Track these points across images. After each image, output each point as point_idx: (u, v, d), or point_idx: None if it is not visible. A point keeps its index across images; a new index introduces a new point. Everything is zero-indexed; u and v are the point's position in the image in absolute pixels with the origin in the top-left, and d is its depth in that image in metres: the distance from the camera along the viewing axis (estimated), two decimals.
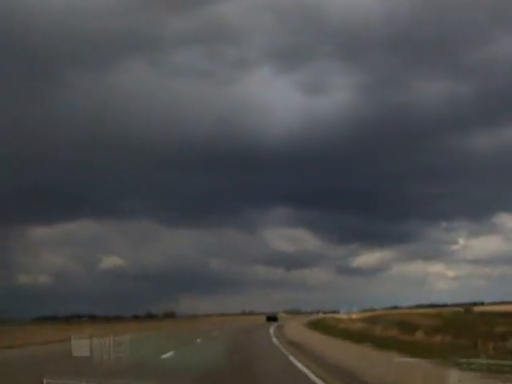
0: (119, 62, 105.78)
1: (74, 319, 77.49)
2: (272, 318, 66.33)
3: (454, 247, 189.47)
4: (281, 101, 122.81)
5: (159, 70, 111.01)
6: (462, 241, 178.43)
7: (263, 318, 69.52)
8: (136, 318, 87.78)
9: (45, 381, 6.40)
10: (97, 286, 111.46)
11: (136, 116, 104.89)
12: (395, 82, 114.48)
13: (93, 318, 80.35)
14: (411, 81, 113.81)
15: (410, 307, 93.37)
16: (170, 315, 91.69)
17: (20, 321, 65.02)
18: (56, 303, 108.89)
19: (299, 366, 12.35)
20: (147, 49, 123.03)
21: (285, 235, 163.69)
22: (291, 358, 14.19)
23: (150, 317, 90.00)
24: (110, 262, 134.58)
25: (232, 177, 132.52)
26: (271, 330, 33.72)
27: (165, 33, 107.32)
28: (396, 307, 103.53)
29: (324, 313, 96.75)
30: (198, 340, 24.28)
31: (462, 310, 72.97)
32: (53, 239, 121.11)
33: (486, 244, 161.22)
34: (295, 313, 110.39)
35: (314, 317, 74.03)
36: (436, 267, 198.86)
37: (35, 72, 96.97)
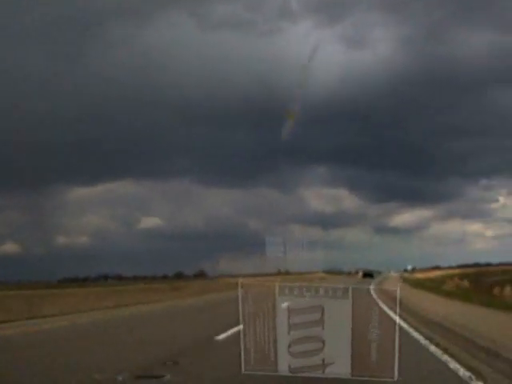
0: (160, 14, 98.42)
1: (100, 280, 75.69)
2: (368, 275, 62.00)
3: (494, 206, 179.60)
4: (321, 54, 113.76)
5: (201, 22, 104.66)
6: (501, 199, 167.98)
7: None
8: (165, 277, 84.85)
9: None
10: (133, 246, 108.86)
11: (176, 71, 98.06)
12: (439, 34, 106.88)
13: (120, 279, 77.56)
14: (456, 33, 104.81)
15: (452, 267, 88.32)
16: (201, 275, 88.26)
17: (47, 283, 61.29)
18: (90, 264, 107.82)
19: None
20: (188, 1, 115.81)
21: (323, 194, 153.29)
22: None
23: (179, 277, 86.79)
24: (148, 222, 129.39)
25: (271, 135, 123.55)
26: None
27: None
28: (437, 267, 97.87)
29: (363, 272, 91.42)
30: None
31: None
32: (93, 200, 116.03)
33: None
34: (336, 273, 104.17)
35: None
36: (475, 226, 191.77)
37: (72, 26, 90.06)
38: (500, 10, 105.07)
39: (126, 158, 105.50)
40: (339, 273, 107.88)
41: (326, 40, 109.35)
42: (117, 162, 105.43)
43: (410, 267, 74.24)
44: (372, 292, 20.84)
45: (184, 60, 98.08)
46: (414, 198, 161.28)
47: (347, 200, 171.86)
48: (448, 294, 21.25)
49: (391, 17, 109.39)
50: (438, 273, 61.28)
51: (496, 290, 19.54)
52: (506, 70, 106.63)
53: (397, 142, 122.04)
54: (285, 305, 4.78)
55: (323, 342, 4.70)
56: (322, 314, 4.67)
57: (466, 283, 27.69)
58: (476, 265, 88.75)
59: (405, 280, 44.41)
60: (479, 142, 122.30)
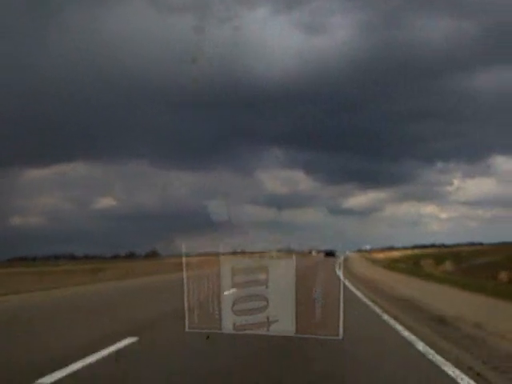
0: None
1: (51, 259, 73.21)
2: (330, 254, 57.74)
3: (448, 188, 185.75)
4: (279, 39, 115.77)
5: (158, 7, 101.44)
6: (456, 182, 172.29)
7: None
8: (116, 257, 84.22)
9: None
10: (87, 227, 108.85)
11: (133, 54, 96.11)
12: (397, 19, 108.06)
13: (72, 259, 76.66)
14: (414, 18, 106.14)
15: (406, 248, 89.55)
16: (153, 255, 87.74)
17: None
18: (43, 244, 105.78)
19: None
20: None
21: (280, 176, 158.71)
22: None
23: (131, 257, 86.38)
24: (103, 203, 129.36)
25: (228, 118, 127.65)
26: None
27: None
28: (392, 248, 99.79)
29: (318, 252, 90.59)
30: None
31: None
32: (46, 181, 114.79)
33: (480, 186, 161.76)
34: (290, 252, 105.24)
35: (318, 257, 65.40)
36: (429, 208, 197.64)
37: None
38: None
39: (82, 139, 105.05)
40: (293, 252, 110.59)
41: (284, 26, 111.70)
42: (72, 144, 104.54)
43: (368, 247, 73.38)
44: (346, 283, 16.34)
45: (143, 43, 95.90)
46: (369, 180, 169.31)
47: (303, 182, 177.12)
48: (455, 283, 16.35)
49: (349, 3, 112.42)
50: (395, 253, 59.46)
51: (504, 276, 15.61)
52: (464, 55, 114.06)
53: (354, 125, 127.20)
54: (229, 266, 5.43)
55: (267, 301, 5.01)
56: (267, 273, 5.08)
57: (448, 266, 23.73)
58: (432, 245, 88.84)
59: (369, 260, 40.76)
60: (436, 125, 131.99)
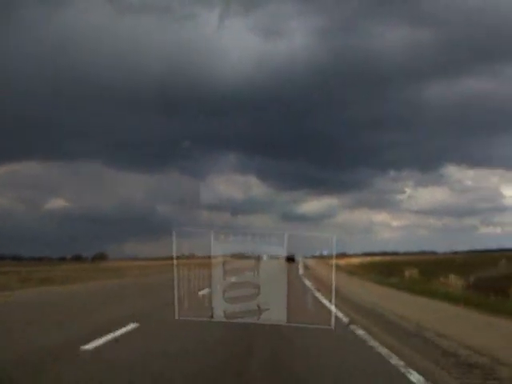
0: None
1: None
2: (290, 259, 56.08)
3: (400, 197, 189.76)
4: (236, 43, 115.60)
5: (116, 6, 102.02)
6: (408, 191, 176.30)
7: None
8: (62, 259, 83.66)
9: None
10: (36, 228, 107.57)
11: (90, 54, 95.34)
12: (355, 26, 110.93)
13: (17, 260, 76.35)
14: (371, 26, 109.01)
15: (358, 255, 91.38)
16: (100, 258, 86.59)
17: None
18: None
19: None
20: None
21: (233, 181, 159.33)
22: None
23: (77, 259, 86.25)
24: (54, 204, 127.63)
25: (183, 121, 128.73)
26: None
27: None
28: (344, 254, 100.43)
29: (270, 257, 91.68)
30: None
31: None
32: None
33: (432, 195, 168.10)
34: (242, 257, 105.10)
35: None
36: (381, 216, 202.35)
37: None
38: (416, 5, 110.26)
39: (34, 139, 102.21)
40: (245, 257, 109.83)
41: (241, 29, 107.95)
42: (24, 142, 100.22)
43: (325, 252, 72.25)
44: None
45: (100, 43, 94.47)
46: (322, 186, 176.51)
47: (256, 187, 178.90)
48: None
49: (307, 8, 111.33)
50: (355, 260, 58.44)
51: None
52: (419, 64, 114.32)
53: (309, 132, 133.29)
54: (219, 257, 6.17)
55: (258, 288, 5.44)
56: (258, 261, 6.10)
57: (454, 280, 19.20)
58: (384, 253, 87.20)
59: (338, 270, 37.84)
60: (391, 134, 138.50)
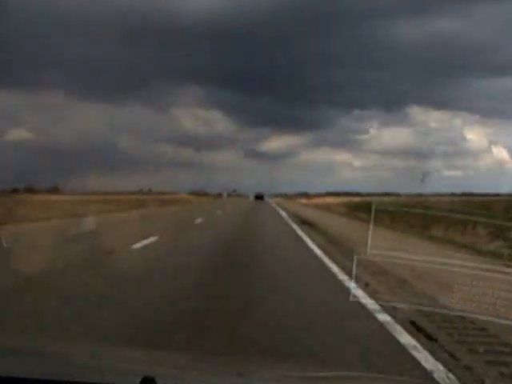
0: None
1: None
2: (259, 197, 67.55)
3: (364, 137, 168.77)
4: None
5: None
6: (372, 131, 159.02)
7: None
8: (14, 191, 60.11)
9: None
10: None
11: None
12: None
13: None
14: None
15: (320, 194, 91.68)
16: (54, 190, 66.41)
17: None
18: None
19: None
20: None
21: (197, 116, 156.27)
22: None
23: (29, 191, 61.36)
24: (15, 134, 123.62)
25: (146, 51, 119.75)
26: None
27: None
28: (306, 193, 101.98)
29: (229, 195, 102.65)
30: None
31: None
32: None
33: (395, 135, 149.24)
34: (200, 194, 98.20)
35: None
36: (343, 156, 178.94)
37: None
38: None
39: None
40: (205, 194, 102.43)
41: None
42: None
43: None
44: None
45: None
46: (286, 124, 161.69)
47: (220, 123, 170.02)
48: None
49: None
50: (329, 199, 57.99)
51: None
52: (386, 3, 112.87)
53: (274, 69, 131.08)
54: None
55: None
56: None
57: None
58: (347, 193, 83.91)
59: (321, 211, 37.38)
60: (357, 73, 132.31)
